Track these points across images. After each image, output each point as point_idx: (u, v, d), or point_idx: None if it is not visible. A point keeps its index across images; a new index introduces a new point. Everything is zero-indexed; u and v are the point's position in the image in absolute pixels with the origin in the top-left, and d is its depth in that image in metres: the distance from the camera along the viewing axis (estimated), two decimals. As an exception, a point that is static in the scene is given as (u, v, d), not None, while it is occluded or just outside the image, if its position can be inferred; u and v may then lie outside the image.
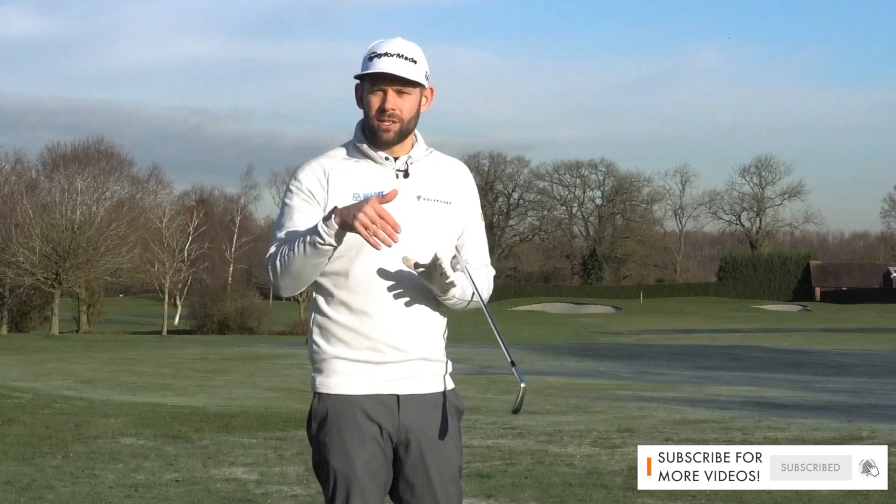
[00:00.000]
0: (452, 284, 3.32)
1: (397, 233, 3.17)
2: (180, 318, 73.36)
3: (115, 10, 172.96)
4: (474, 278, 3.43)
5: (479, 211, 3.59)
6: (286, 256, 3.29)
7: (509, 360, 3.31)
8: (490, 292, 3.55)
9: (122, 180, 67.43)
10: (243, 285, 74.11)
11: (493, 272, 3.60)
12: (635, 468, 8.95)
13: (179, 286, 74.05)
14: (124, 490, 7.97)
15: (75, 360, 28.33)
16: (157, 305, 77.58)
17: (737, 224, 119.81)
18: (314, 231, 3.22)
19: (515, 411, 3.38)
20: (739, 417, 13.79)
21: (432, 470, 3.42)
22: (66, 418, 12.95)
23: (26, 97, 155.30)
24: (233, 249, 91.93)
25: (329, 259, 3.30)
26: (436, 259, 3.26)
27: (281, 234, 3.39)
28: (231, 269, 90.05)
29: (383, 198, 3.20)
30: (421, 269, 3.30)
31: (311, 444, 3.48)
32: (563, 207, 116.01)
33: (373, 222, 3.15)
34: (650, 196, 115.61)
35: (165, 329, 63.38)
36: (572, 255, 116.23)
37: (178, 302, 76.12)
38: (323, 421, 3.41)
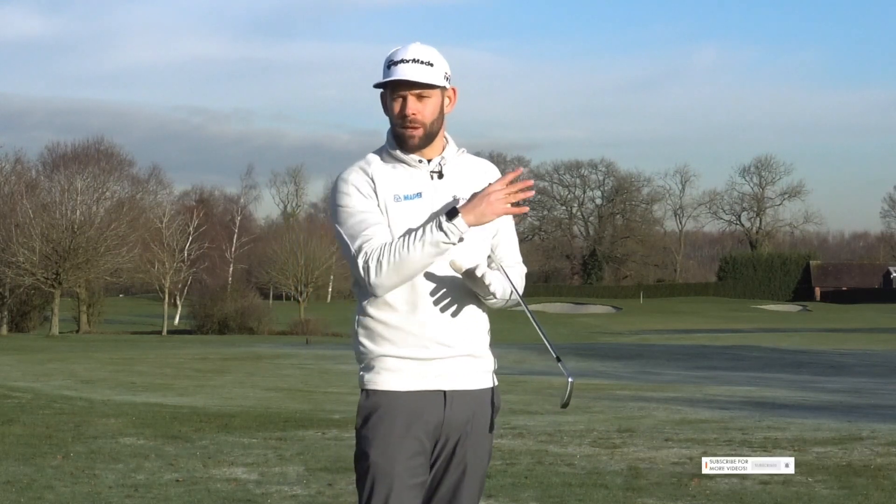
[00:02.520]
0: (494, 295, 3.40)
1: (530, 187, 3.36)
2: (180, 318, 73.34)
3: (117, 10, 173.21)
4: (511, 277, 3.49)
5: None
6: (396, 256, 3.31)
7: (555, 357, 3.36)
8: (523, 289, 3.61)
9: (122, 180, 67.51)
10: (243, 285, 74.17)
11: (525, 270, 3.66)
12: (635, 468, 8.97)
13: (179, 286, 74.03)
14: (124, 490, 7.97)
15: (75, 360, 28.32)
16: (157, 305, 77.56)
17: (737, 224, 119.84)
18: (438, 230, 3.29)
19: (564, 406, 3.45)
20: (739, 417, 13.78)
21: (468, 465, 3.47)
22: (66, 418, 12.94)
23: (28, 97, 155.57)
24: (233, 249, 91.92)
25: None
26: (474, 270, 3.35)
27: (365, 232, 3.38)
28: (231, 269, 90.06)
29: (505, 179, 3.35)
30: (468, 269, 3.37)
31: (355, 440, 3.52)
32: (563, 207, 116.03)
33: (508, 202, 3.33)
34: (650, 196, 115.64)
35: (165, 329, 63.40)
36: (572, 255, 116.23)
37: (178, 302, 76.09)
38: (368, 416, 3.44)
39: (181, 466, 9.11)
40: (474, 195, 3.34)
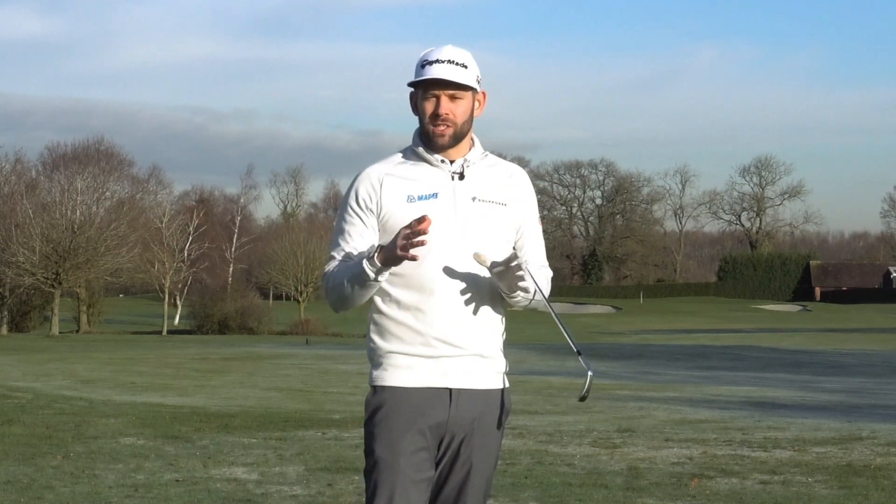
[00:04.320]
0: (522, 279, 3.36)
1: (423, 228, 3.22)
2: (180, 318, 73.37)
3: (118, 10, 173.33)
4: (535, 277, 3.47)
5: (537, 214, 3.64)
6: (337, 284, 3.46)
7: (576, 351, 3.37)
8: (549, 292, 3.60)
9: (122, 180, 67.53)
10: (243, 285, 74.19)
11: (551, 273, 3.65)
12: (635, 468, 8.97)
13: (179, 286, 74.06)
14: (124, 490, 7.96)
15: (75, 360, 28.33)
16: (157, 305, 77.57)
17: (737, 224, 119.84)
18: (360, 268, 3.36)
19: (582, 399, 3.42)
20: (739, 417, 13.78)
21: (473, 465, 3.48)
22: (66, 418, 12.94)
23: (29, 97, 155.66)
24: (233, 249, 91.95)
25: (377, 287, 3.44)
26: (513, 257, 3.31)
27: (334, 252, 3.53)
28: (231, 269, 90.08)
29: (412, 226, 3.26)
30: (499, 269, 3.34)
31: (363, 435, 3.55)
32: (563, 207, 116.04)
33: (403, 249, 3.25)
34: (650, 196, 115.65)
35: (165, 329, 63.41)
36: (572, 255, 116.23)
37: (178, 302, 76.12)
38: (374, 412, 3.47)
39: (181, 466, 9.11)
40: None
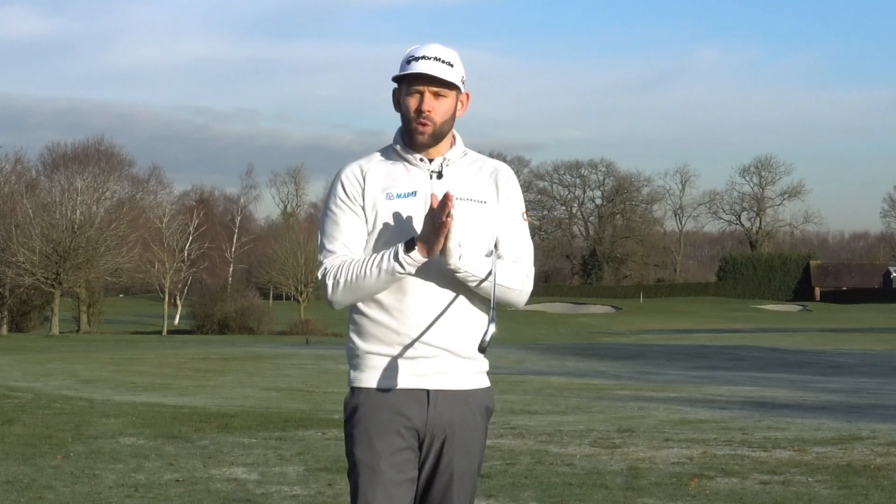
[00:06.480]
0: (450, 262, 3.32)
1: (449, 203, 3.21)
2: (180, 318, 73.39)
3: (119, 10, 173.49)
4: (497, 265, 3.40)
5: (522, 210, 3.58)
6: (353, 277, 3.38)
7: (491, 306, 3.33)
8: (524, 288, 3.49)
9: (122, 180, 67.53)
10: (243, 285, 74.17)
11: (529, 270, 3.53)
12: (635, 468, 8.97)
13: (179, 286, 74.05)
14: (124, 490, 7.96)
15: (75, 360, 28.33)
16: (157, 305, 77.58)
17: (737, 224, 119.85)
18: (394, 261, 3.31)
19: (482, 349, 3.35)
20: (739, 417, 13.78)
21: (455, 468, 3.44)
22: (66, 418, 12.94)
23: (30, 98, 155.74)
24: (233, 249, 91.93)
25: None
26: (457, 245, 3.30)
27: (330, 246, 3.47)
28: (231, 269, 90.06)
29: (433, 207, 3.27)
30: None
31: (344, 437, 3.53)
32: (563, 207, 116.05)
33: (439, 231, 3.25)
34: (650, 196, 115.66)
35: (165, 329, 63.41)
36: (572, 255, 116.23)
37: (178, 302, 76.12)
38: (353, 414, 3.45)
39: (181, 466, 9.11)
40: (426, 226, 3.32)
